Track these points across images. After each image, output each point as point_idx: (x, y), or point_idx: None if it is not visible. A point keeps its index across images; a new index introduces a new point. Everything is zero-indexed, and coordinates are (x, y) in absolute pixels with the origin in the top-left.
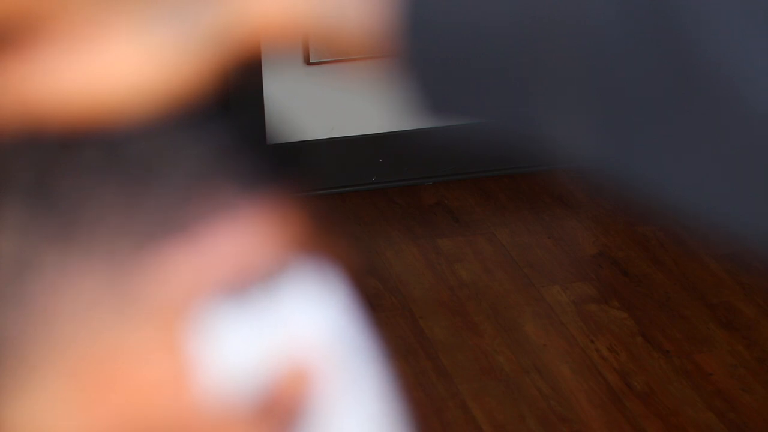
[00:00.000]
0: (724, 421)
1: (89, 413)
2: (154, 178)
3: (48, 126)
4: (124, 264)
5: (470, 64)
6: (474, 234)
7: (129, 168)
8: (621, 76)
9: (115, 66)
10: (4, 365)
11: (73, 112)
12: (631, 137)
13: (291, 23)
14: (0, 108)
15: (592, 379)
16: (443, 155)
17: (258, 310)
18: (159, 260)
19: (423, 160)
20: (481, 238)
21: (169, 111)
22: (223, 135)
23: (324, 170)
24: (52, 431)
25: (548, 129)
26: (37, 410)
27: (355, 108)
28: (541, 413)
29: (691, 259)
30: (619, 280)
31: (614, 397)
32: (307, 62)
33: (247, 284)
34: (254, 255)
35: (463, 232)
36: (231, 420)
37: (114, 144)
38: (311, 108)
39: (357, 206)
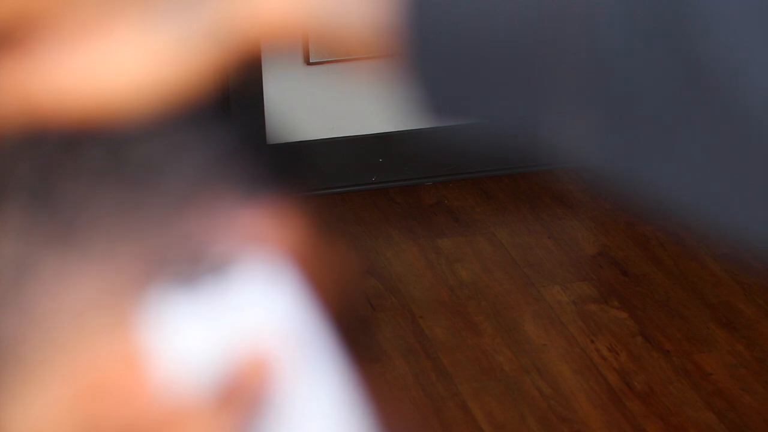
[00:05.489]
0: (724, 421)
1: (87, 416)
2: (153, 178)
3: (48, 126)
4: (123, 267)
5: (472, 64)
6: (474, 234)
7: (129, 169)
8: (622, 77)
9: (115, 66)
10: (2, 368)
11: (73, 112)
12: (631, 137)
13: (291, 23)
14: (0, 108)
15: (592, 379)
16: (443, 155)
17: (214, 300)
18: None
19: (423, 160)
20: (481, 238)
21: (170, 111)
22: (223, 135)
23: (324, 170)
24: None
25: (549, 129)
26: (36, 413)
27: (355, 108)
28: (541, 413)
29: (690, 259)
30: (619, 280)
31: (614, 397)
32: (307, 62)
33: (207, 275)
34: (241, 252)
35: (463, 232)
36: (194, 411)
37: (114, 145)
38: (311, 108)
39: (357, 206)
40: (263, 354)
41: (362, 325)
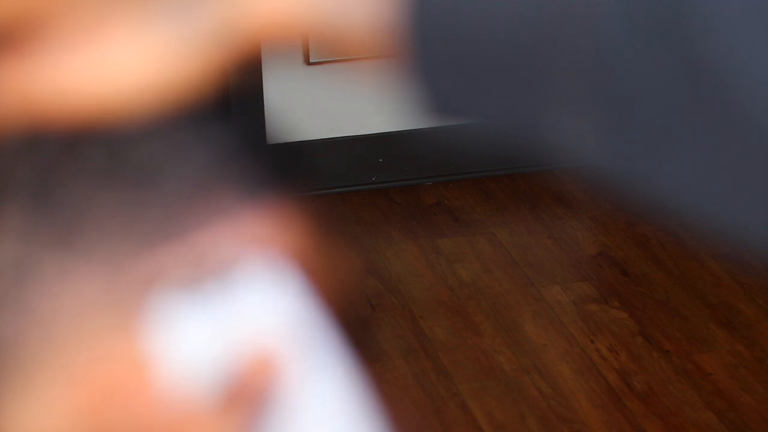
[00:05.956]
0: (724, 421)
1: (88, 417)
2: (154, 178)
3: (48, 126)
4: (123, 268)
5: (472, 64)
6: (474, 234)
7: (129, 169)
8: (622, 77)
9: (115, 66)
10: (2, 369)
11: (73, 113)
12: (631, 137)
13: (291, 23)
14: (1, 108)
15: (592, 379)
16: (443, 155)
17: (214, 300)
18: (157, 263)
19: (423, 160)
20: (481, 238)
21: (170, 111)
22: (223, 135)
23: (324, 170)
24: None
25: (549, 129)
26: (36, 414)
27: (355, 108)
28: (541, 413)
29: (690, 259)
30: (619, 280)
31: (614, 397)
32: (307, 62)
33: (209, 278)
34: (243, 254)
35: (463, 232)
36: (199, 412)
37: (115, 145)
38: (311, 108)
39: (357, 206)
40: (266, 354)
41: (362, 325)
